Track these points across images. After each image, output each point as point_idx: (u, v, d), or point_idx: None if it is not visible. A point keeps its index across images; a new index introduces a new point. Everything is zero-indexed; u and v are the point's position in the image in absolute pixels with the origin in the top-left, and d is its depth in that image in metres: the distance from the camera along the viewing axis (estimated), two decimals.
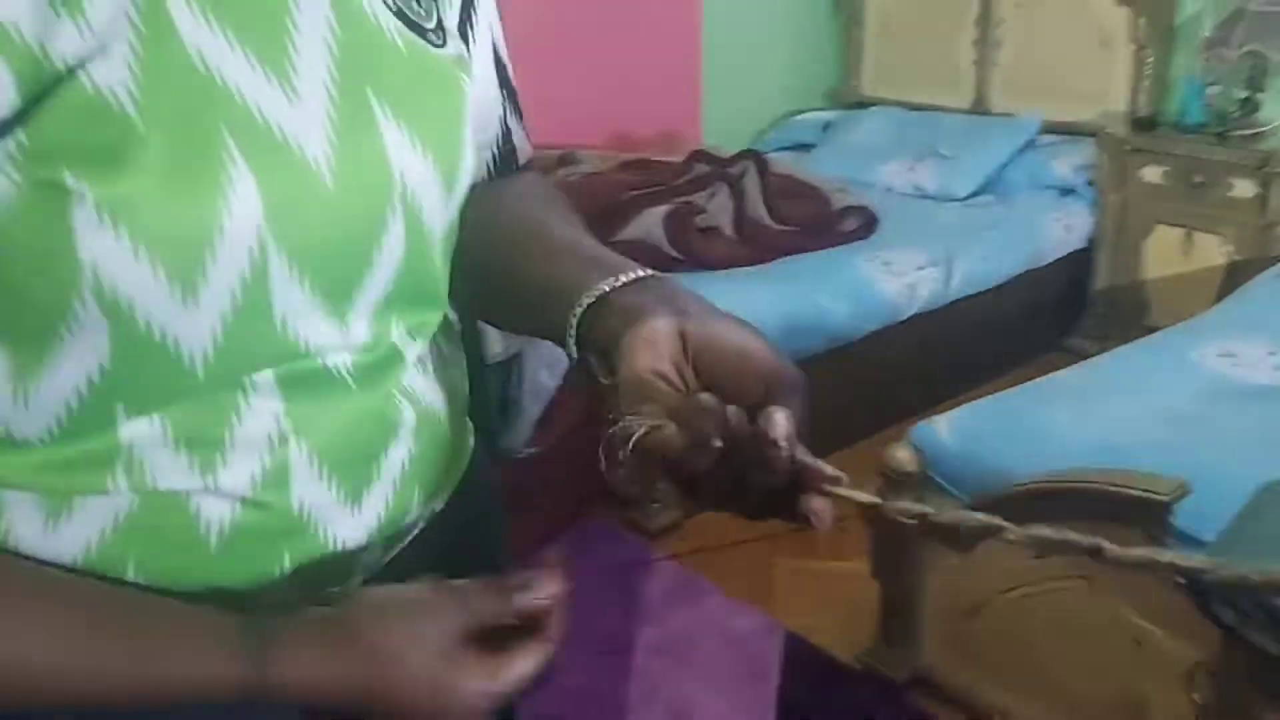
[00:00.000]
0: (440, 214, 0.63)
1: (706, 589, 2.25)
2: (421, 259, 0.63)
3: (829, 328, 2.68)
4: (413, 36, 0.61)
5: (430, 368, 0.69)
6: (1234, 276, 2.91)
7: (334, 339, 0.59)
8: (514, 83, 0.76)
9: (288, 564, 0.62)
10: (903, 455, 1.85)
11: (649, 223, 2.73)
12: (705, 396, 0.50)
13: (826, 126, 3.90)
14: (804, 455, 0.50)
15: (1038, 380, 2.12)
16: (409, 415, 0.65)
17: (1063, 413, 1.91)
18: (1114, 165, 3.16)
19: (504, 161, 0.75)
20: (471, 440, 0.78)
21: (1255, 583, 0.44)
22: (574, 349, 0.57)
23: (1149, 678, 1.61)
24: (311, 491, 0.60)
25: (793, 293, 2.66)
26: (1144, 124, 3.19)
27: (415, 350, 0.66)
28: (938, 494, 1.87)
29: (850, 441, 2.80)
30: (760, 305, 2.59)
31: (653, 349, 0.52)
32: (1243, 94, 3.05)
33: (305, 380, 0.59)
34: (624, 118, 3.57)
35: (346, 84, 0.56)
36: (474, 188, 0.71)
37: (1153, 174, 3.10)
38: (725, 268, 2.72)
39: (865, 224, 2.95)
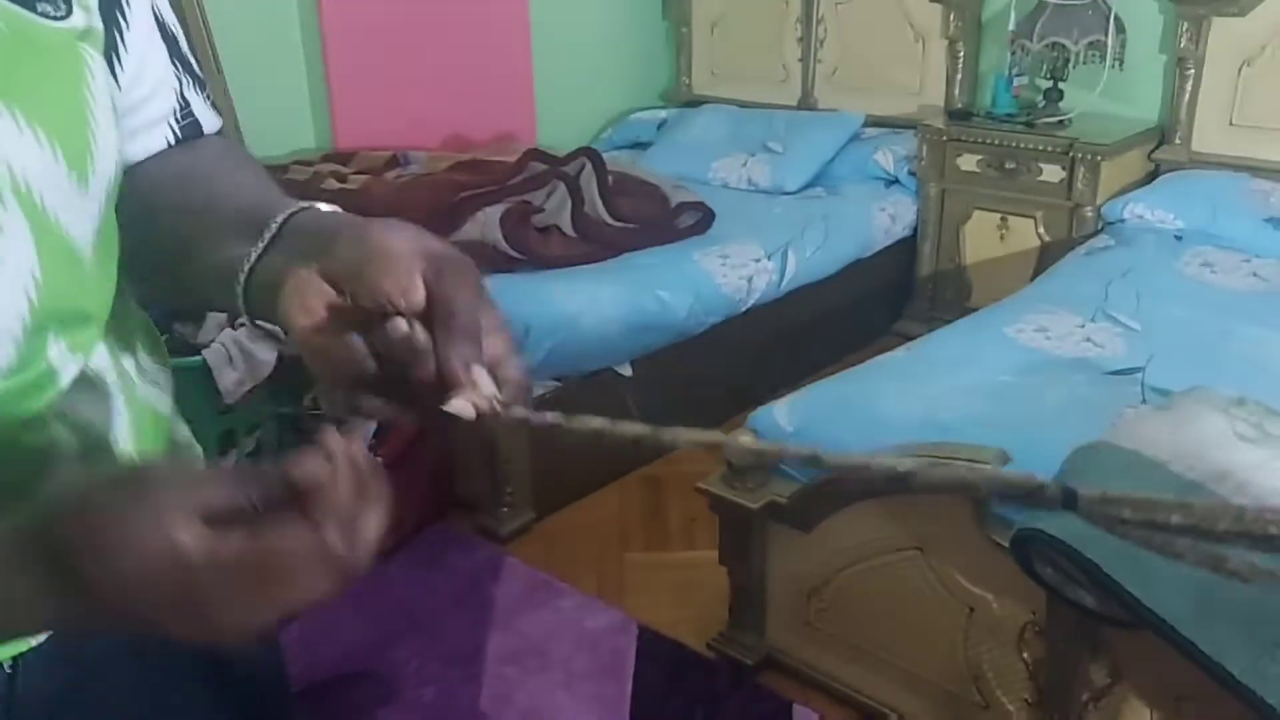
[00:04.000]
0: (77, 208, 0.57)
1: (558, 590, 2.23)
2: (63, 261, 0.56)
3: (671, 323, 2.70)
4: (14, 9, 0.54)
5: (109, 387, 0.63)
6: (1046, 257, 3.07)
7: None
8: (188, 54, 0.71)
9: None
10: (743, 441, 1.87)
11: (485, 223, 2.69)
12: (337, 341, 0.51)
13: (661, 125, 3.93)
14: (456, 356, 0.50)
15: (867, 363, 2.19)
16: (71, 445, 0.59)
17: (891, 392, 1.97)
18: (933, 155, 3.30)
19: (186, 136, 0.70)
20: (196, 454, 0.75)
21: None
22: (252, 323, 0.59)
23: (983, 641, 1.67)
24: None
25: (634, 289, 2.67)
26: (959, 115, 3.33)
27: (74, 369, 0.60)
28: (778, 477, 1.91)
29: None
30: (603, 303, 2.59)
31: (303, 305, 0.52)
32: (1046, 84, 3.23)
33: None
34: (458, 120, 3.51)
35: None
36: (149, 162, 0.67)
37: (969, 162, 3.24)
38: (565, 266, 2.71)
39: (702, 219, 2.99)
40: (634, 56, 4.19)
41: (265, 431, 2.05)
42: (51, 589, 0.44)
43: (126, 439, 0.64)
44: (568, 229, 2.77)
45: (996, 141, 3.16)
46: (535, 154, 2.95)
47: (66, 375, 0.59)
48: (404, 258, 0.51)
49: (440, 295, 0.51)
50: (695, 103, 4.05)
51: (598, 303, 2.59)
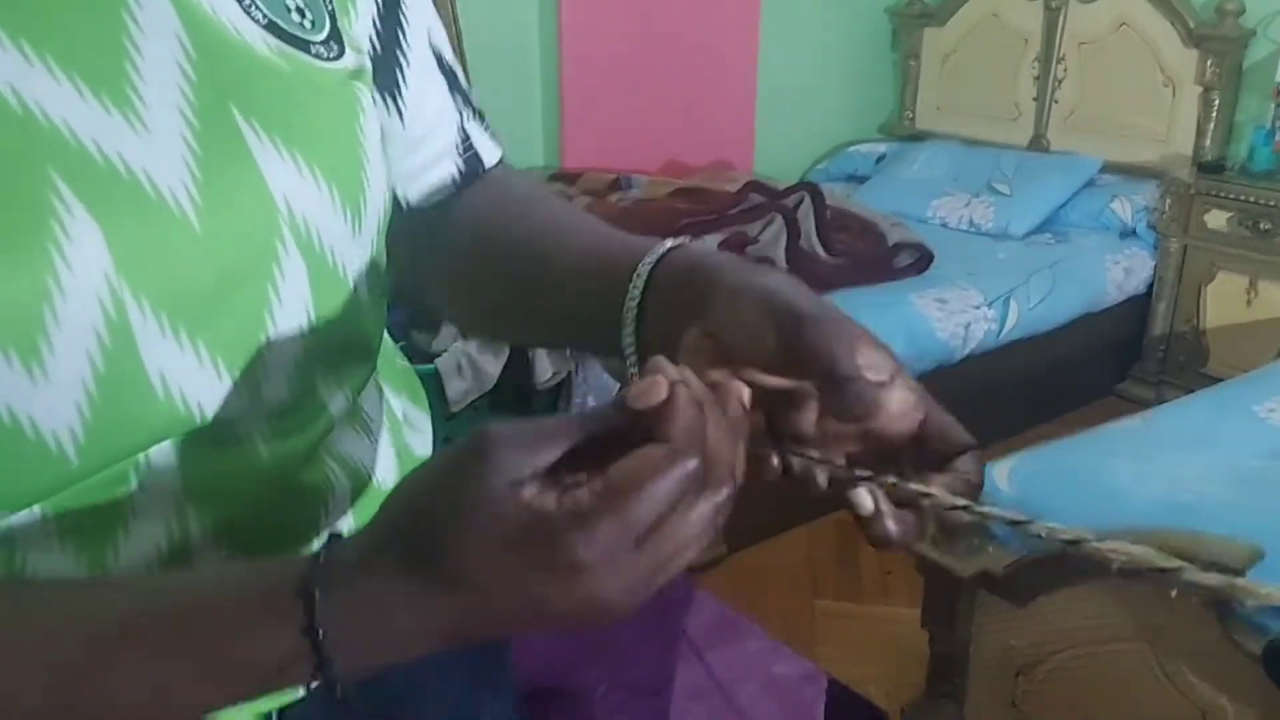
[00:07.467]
0: (350, 245, 0.56)
1: (748, 629, 2.19)
2: (337, 298, 0.56)
3: None
4: (291, 51, 0.54)
5: (375, 427, 0.63)
6: None
7: (239, 401, 0.51)
8: (467, 87, 0.71)
9: None
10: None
11: None
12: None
13: (880, 159, 3.85)
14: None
15: (1097, 429, 2.06)
16: (342, 484, 0.59)
17: (1124, 465, 1.85)
18: (1178, 209, 3.09)
19: (469, 169, 0.70)
20: None
21: None
22: (631, 331, 0.54)
23: None
24: None
25: None
26: (1209, 168, 3.11)
27: (345, 407, 0.59)
28: (994, 542, 1.82)
29: None
30: None
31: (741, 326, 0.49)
32: None
33: (205, 450, 0.51)
34: (678, 145, 3.55)
35: (207, 108, 0.49)
36: (441, 203, 0.68)
37: (1217, 219, 3.02)
38: None
39: (920, 260, 2.90)
40: (857, 87, 4.13)
41: None
42: (422, 603, 0.41)
43: (390, 482, 0.64)
44: (781, 263, 2.75)
45: (1252, 199, 2.94)
46: (755, 185, 2.94)
47: (335, 412, 0.59)
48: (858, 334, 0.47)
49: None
50: (917, 137, 3.96)
51: None
